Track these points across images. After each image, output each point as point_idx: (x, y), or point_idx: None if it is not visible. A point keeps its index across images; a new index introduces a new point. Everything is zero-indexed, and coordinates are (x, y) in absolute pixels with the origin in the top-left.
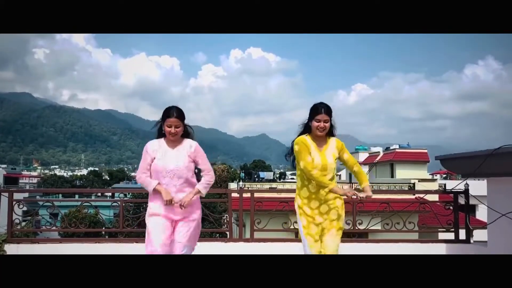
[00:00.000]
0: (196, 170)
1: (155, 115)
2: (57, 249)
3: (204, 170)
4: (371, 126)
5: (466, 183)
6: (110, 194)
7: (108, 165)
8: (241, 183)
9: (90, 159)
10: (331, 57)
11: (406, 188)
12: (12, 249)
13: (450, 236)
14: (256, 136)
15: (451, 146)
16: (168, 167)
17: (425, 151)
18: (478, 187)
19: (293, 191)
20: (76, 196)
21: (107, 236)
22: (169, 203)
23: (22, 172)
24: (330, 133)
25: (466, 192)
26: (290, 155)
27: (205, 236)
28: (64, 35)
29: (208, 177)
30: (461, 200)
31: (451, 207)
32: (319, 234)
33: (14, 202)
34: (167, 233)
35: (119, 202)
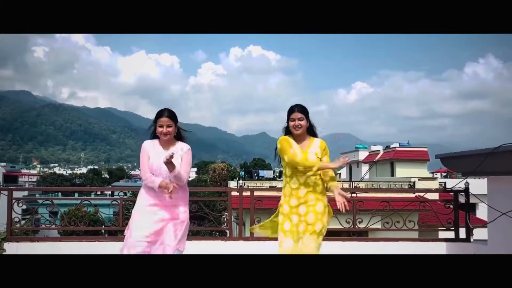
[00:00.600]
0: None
1: (155, 114)
2: (57, 247)
3: (181, 170)
4: (371, 125)
5: (467, 182)
6: (109, 192)
7: (108, 163)
8: (241, 181)
9: (89, 157)
10: (331, 55)
11: (406, 187)
12: (11, 247)
13: (450, 234)
14: (256, 135)
15: (451, 145)
16: (162, 167)
17: (425, 149)
18: (478, 185)
19: None
20: (76, 194)
21: (106, 235)
22: (167, 190)
23: (22, 171)
24: (312, 133)
25: (466, 190)
26: (276, 156)
27: (204, 234)
28: (64, 34)
29: (184, 174)
30: (461, 199)
31: (451, 206)
32: (293, 233)
33: (13, 201)
34: (151, 229)
35: (118, 201)
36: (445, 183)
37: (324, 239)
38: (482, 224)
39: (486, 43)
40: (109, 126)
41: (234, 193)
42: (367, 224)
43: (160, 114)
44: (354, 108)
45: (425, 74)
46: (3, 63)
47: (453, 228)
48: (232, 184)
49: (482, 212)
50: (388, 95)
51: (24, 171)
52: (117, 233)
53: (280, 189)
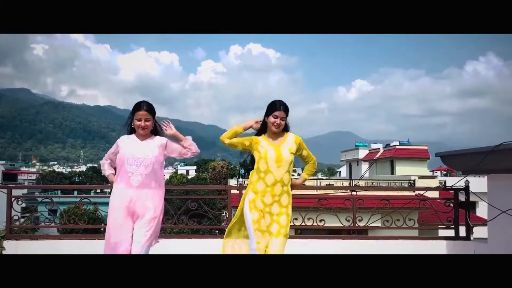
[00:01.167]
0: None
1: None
2: (56, 245)
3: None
4: (371, 123)
5: (467, 180)
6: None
7: None
8: (240, 179)
9: (89, 155)
10: (331, 53)
11: (406, 185)
12: (11, 245)
13: (450, 233)
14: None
15: (451, 143)
16: (135, 155)
17: (426, 147)
18: (478, 184)
19: None
20: (75, 192)
21: None
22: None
23: (21, 168)
24: (285, 129)
25: (466, 189)
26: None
27: (204, 232)
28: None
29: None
30: (462, 197)
31: (451, 204)
32: (266, 233)
33: (12, 199)
34: (126, 227)
35: None
36: (445, 181)
37: (324, 237)
38: (482, 222)
39: (487, 42)
40: (109, 124)
41: (234, 191)
42: (367, 222)
43: (138, 107)
44: (354, 106)
45: (426, 72)
46: (2, 61)
47: (453, 226)
48: (232, 182)
49: (482, 210)
50: (388, 93)
51: (24, 169)
52: None
53: None
